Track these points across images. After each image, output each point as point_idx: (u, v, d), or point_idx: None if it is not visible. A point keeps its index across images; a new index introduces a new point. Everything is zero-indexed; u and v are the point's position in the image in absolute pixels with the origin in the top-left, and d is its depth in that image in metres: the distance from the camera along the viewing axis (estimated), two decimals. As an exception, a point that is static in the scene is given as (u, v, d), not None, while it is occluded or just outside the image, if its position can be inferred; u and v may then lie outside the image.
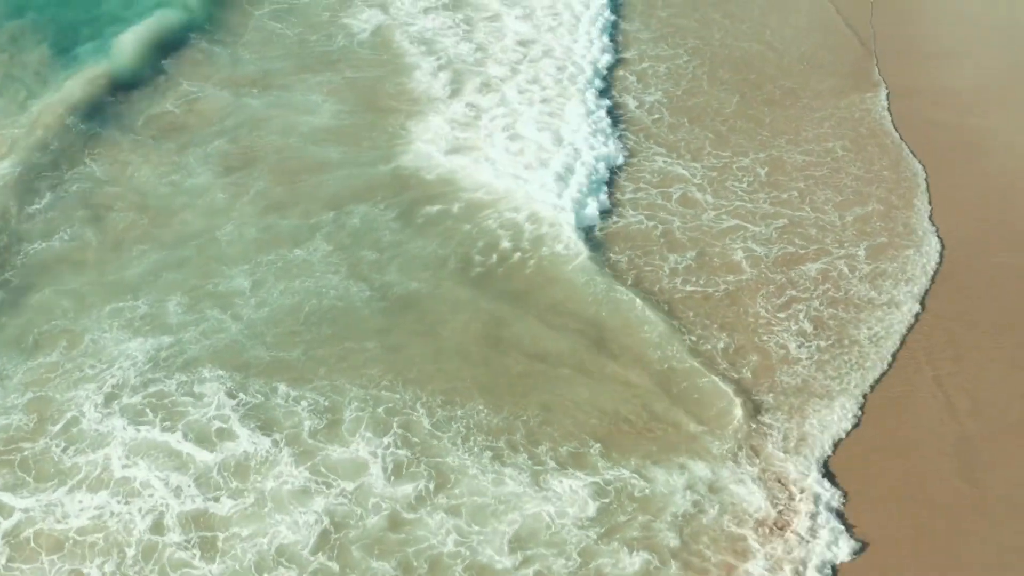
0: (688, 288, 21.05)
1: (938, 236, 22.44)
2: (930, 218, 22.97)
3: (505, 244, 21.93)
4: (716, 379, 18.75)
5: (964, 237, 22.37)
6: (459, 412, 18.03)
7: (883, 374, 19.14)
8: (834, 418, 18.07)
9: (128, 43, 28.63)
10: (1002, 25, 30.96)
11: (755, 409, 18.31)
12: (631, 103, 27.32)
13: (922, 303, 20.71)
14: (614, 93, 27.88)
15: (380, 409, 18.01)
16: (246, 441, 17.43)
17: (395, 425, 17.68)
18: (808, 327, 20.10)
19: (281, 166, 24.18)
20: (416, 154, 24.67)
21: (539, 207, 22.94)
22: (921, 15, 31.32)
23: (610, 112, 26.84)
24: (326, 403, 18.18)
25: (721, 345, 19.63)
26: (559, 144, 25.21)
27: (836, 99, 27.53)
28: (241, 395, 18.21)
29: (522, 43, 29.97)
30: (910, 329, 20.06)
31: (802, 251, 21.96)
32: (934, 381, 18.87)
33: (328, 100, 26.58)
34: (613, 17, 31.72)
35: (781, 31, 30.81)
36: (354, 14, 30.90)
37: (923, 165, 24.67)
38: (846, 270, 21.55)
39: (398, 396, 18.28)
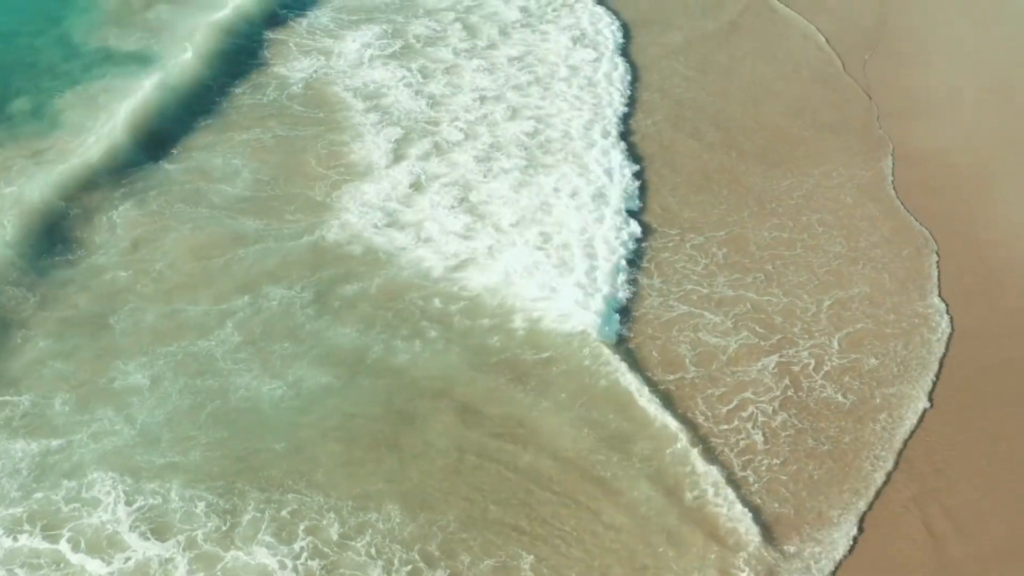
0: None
1: (949, 320, 22.46)
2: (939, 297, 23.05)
3: (432, 333, 21.85)
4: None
5: (967, 327, 22.34)
6: (373, 517, 18.02)
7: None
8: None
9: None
10: (1002, 69, 31.32)
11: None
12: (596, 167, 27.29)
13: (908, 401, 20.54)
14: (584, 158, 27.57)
15: (285, 512, 18.08)
16: (140, 549, 17.47)
17: (301, 531, 17.77)
18: (759, 438, 19.47)
19: (191, 240, 23.99)
20: (344, 228, 24.56)
21: (474, 288, 23.03)
22: (917, 65, 31.77)
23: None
24: (226, 506, 18.15)
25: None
26: (515, 219, 25.35)
27: (818, 164, 27.81)
28: (135, 500, 18.17)
29: (483, 99, 29.63)
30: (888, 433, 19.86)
31: (763, 342, 21.51)
32: (914, 502, 18.41)
33: (251, 163, 26.55)
34: (591, 72, 31.42)
35: (774, 84, 31.11)
36: (289, 63, 30.65)
37: (933, 239, 24.71)
38: (812, 364, 21.20)
39: (307, 499, 18.24)
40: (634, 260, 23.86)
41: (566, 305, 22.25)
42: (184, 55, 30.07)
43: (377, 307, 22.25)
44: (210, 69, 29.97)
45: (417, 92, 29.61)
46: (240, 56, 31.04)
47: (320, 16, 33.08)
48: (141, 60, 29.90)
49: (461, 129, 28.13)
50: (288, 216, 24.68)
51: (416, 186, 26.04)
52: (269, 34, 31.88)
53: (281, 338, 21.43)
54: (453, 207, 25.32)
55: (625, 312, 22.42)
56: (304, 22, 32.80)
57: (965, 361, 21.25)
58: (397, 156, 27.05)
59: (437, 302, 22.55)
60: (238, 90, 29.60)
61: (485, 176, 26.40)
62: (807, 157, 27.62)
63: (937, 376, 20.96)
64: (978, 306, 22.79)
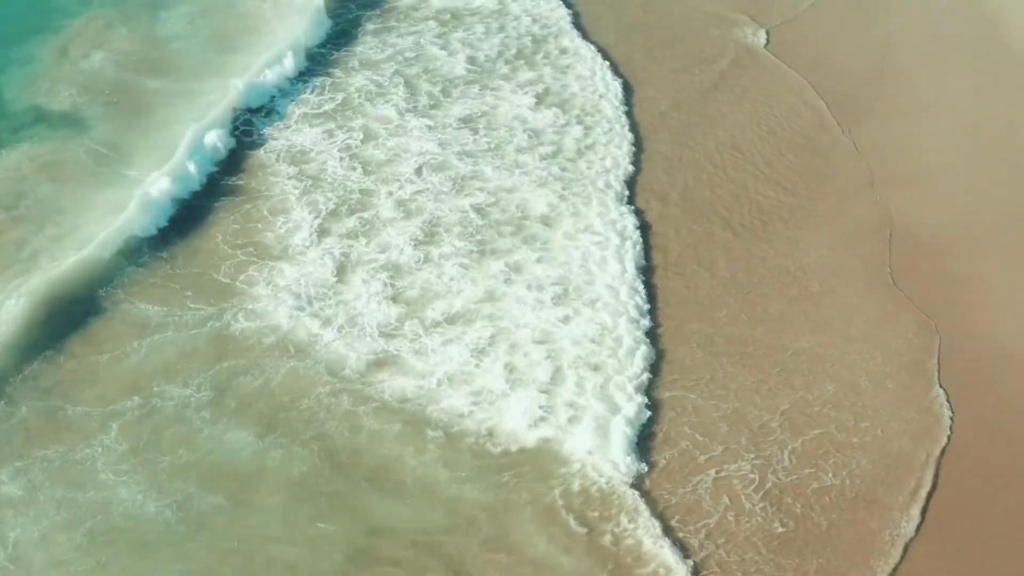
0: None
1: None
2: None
3: (337, 440, 21.81)
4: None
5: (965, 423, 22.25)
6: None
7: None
8: None
9: None
10: (1002, 128, 31.59)
11: None
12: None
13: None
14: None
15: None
16: None
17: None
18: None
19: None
20: (253, 315, 24.58)
21: (391, 391, 23.14)
22: (914, 124, 32.09)
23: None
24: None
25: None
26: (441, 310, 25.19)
27: (806, 240, 28.07)
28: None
29: (427, 169, 29.38)
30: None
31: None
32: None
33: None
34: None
35: (761, 147, 31.37)
36: (206, 121, 30.14)
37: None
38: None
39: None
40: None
41: (496, 414, 22.36)
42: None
43: (280, 408, 22.25)
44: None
45: (352, 156, 29.40)
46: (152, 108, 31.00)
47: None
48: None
49: (399, 202, 28.03)
50: (190, 302, 24.40)
51: (340, 269, 25.91)
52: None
53: (171, 446, 21.36)
54: (381, 295, 25.22)
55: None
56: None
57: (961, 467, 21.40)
58: (321, 232, 26.91)
59: (347, 402, 22.45)
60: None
61: (420, 261, 26.22)
62: (795, 229, 27.99)
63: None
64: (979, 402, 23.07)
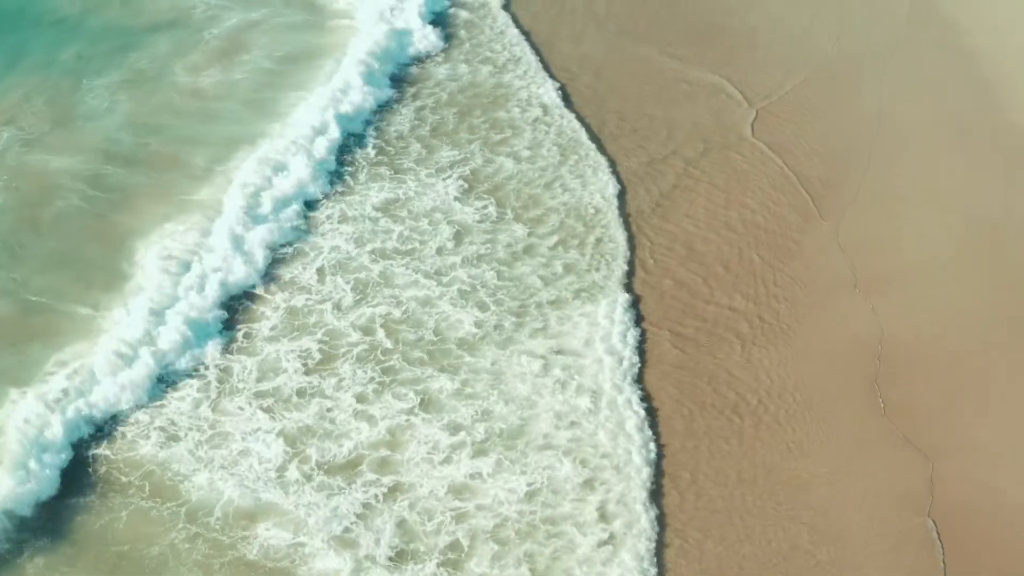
0: None
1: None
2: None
3: None
4: None
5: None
6: None
7: None
8: None
9: None
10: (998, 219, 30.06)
11: None
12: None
13: None
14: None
15: None
16: None
17: None
18: None
19: None
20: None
21: None
22: (903, 217, 30.36)
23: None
24: None
25: None
26: None
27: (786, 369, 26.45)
28: None
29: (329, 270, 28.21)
30: None
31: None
32: None
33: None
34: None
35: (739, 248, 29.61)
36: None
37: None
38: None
39: None
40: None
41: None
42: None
43: (122, 555, 21.62)
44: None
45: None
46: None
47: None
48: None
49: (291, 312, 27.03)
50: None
51: (214, 396, 24.77)
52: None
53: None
54: (260, 430, 24.12)
55: None
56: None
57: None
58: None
59: (202, 552, 21.72)
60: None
61: (310, 391, 25.10)
62: (760, 345, 26.66)
63: None
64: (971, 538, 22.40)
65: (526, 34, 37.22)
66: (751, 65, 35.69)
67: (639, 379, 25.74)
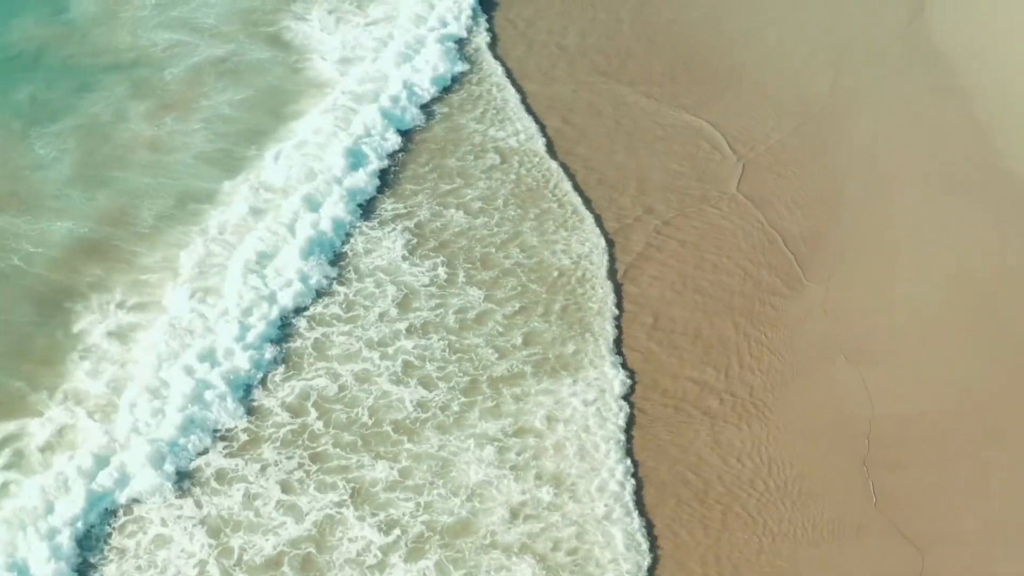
0: None
1: None
2: None
3: None
4: None
5: None
6: None
7: None
8: None
9: None
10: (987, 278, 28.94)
11: None
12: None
13: None
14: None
15: None
16: None
17: None
18: None
19: None
20: None
21: None
22: (882, 280, 29.08)
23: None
24: None
25: None
26: None
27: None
28: None
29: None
30: None
31: None
32: None
33: None
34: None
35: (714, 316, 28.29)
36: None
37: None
38: None
39: None
40: None
41: None
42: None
43: None
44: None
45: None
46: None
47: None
48: None
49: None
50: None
51: None
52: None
53: None
54: None
55: None
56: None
57: None
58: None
59: None
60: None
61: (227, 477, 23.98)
62: (733, 423, 25.45)
63: None
64: None
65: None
66: (737, 109, 34.21)
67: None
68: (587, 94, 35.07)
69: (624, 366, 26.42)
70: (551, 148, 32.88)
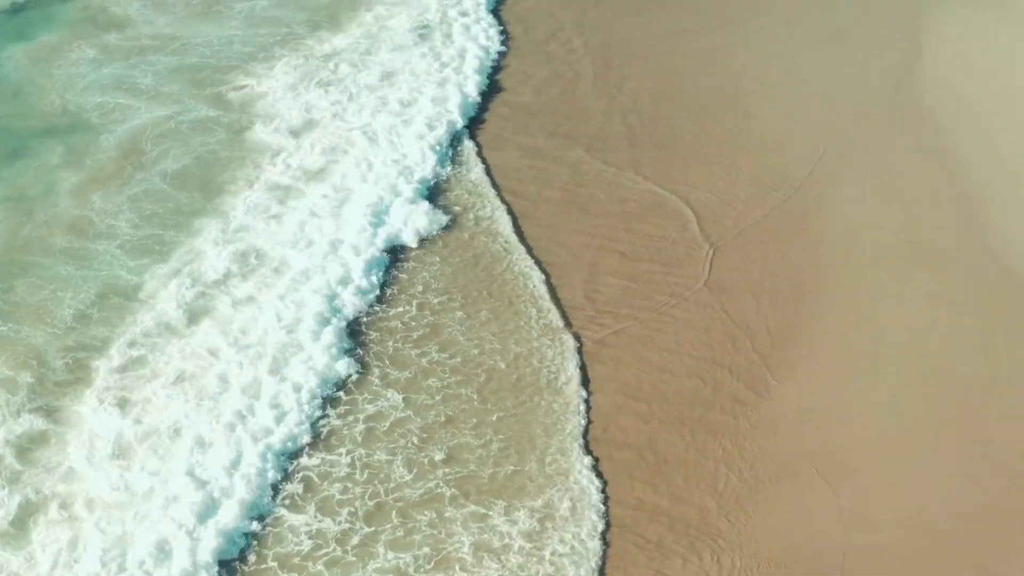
0: None
1: None
2: None
3: None
4: None
5: None
6: None
7: None
8: None
9: None
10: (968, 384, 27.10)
11: None
12: None
13: None
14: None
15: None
16: None
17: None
18: None
19: None
20: None
21: None
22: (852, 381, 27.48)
23: None
24: None
25: None
26: None
27: None
28: None
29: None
30: None
31: None
32: None
33: None
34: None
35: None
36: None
37: None
38: None
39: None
40: None
41: None
42: None
43: None
44: None
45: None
46: None
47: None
48: None
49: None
50: None
51: None
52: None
53: None
54: None
55: None
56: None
57: None
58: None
59: None
60: None
61: None
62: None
63: None
64: None
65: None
66: (709, 182, 32.46)
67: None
68: (538, 160, 33.49)
69: (566, 486, 24.61)
70: (492, 226, 31.21)
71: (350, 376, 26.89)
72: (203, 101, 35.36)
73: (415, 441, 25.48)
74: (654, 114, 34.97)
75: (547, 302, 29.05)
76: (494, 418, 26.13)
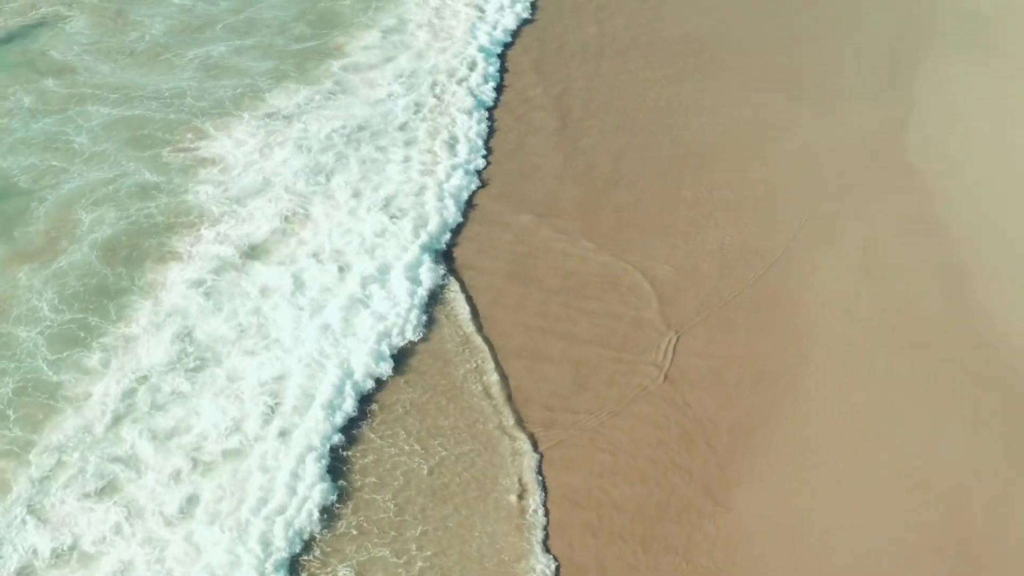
0: None
1: None
2: None
3: None
4: None
5: None
6: None
7: None
8: None
9: None
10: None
11: None
12: None
13: None
14: None
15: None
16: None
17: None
18: None
19: None
20: None
21: None
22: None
23: None
24: None
25: None
26: None
27: None
28: None
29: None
30: None
31: None
32: None
33: None
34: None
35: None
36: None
37: None
38: None
39: None
40: None
41: None
42: None
43: None
44: None
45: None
46: None
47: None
48: None
49: None
50: None
51: None
52: None
53: None
54: None
55: None
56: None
57: None
58: None
59: None
60: None
61: None
62: None
63: None
64: None
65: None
66: (675, 257, 30.61)
67: None
68: (483, 226, 31.86)
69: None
70: (429, 305, 29.48)
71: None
72: (143, 163, 33.39)
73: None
74: (613, 175, 33.30)
75: (479, 399, 27.13)
76: (417, 532, 24.30)
